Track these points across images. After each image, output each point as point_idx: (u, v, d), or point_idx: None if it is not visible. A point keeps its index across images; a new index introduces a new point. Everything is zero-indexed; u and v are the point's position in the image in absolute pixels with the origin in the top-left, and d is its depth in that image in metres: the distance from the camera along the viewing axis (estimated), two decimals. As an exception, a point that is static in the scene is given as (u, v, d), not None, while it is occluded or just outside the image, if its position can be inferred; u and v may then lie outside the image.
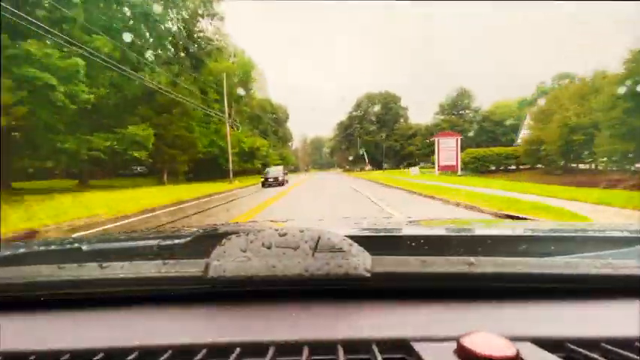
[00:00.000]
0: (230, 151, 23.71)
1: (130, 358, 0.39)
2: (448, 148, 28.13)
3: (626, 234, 0.84)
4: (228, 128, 23.78)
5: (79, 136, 15.25)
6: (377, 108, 60.56)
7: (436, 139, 27.71)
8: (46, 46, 12.32)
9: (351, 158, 63.17)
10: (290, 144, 78.93)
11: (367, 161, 49.07)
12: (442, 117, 62.15)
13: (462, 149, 26.67)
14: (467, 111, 61.27)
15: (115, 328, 0.46)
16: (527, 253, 0.76)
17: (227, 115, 23.00)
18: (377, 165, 57.63)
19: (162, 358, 0.39)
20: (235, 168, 29.61)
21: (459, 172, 25.59)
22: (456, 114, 61.03)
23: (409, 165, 57.49)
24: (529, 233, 0.96)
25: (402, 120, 60.92)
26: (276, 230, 0.52)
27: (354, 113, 63.45)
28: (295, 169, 78.89)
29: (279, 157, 53.68)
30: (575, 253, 0.66)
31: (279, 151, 56.07)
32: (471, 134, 54.46)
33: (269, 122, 50.52)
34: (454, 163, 28.02)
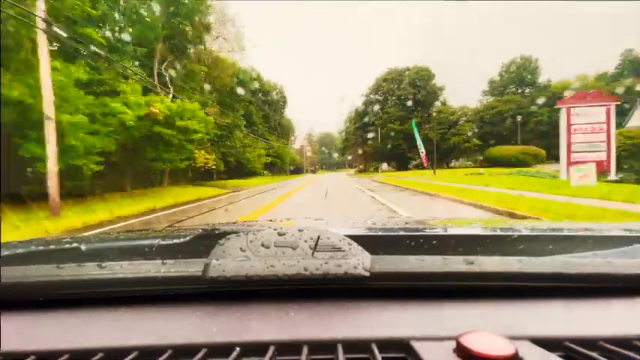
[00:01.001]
0: (51, 116, 7.79)
1: (129, 358, 0.42)
2: (589, 127, 14.20)
3: (624, 233, 0.88)
4: (44, 51, 8.13)
5: None
6: (405, 87, 45.30)
7: (563, 109, 14.58)
8: None
9: (346, 158, 47.95)
10: (293, 138, 64.56)
11: (424, 156, 34.03)
12: (492, 98, 46.14)
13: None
14: (527, 90, 45.13)
15: (115, 328, 0.50)
16: (526, 253, 0.80)
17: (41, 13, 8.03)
18: (402, 165, 42.37)
19: (162, 358, 0.42)
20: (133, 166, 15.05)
21: (612, 176, 13.53)
22: (515, 92, 44.87)
23: (444, 162, 42.25)
24: (528, 232, 0.97)
25: (438, 103, 45.41)
26: (276, 230, 0.56)
27: (373, 96, 48.37)
28: (297, 170, 64.53)
29: (268, 152, 39.02)
30: (574, 253, 0.70)
31: (272, 144, 41.28)
32: (542, 117, 39.20)
33: (250, 100, 35.94)
34: (603, 158, 14.13)
